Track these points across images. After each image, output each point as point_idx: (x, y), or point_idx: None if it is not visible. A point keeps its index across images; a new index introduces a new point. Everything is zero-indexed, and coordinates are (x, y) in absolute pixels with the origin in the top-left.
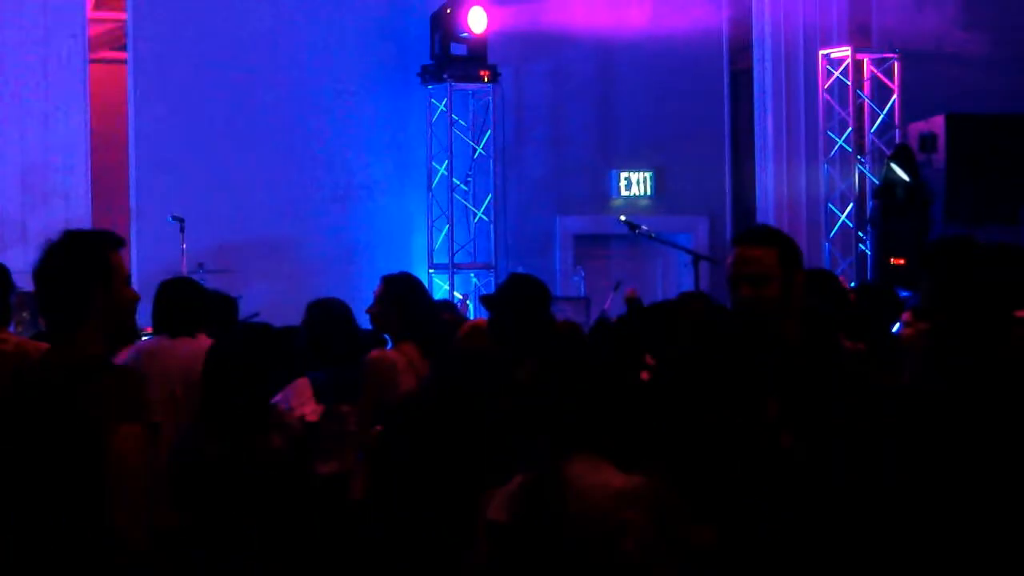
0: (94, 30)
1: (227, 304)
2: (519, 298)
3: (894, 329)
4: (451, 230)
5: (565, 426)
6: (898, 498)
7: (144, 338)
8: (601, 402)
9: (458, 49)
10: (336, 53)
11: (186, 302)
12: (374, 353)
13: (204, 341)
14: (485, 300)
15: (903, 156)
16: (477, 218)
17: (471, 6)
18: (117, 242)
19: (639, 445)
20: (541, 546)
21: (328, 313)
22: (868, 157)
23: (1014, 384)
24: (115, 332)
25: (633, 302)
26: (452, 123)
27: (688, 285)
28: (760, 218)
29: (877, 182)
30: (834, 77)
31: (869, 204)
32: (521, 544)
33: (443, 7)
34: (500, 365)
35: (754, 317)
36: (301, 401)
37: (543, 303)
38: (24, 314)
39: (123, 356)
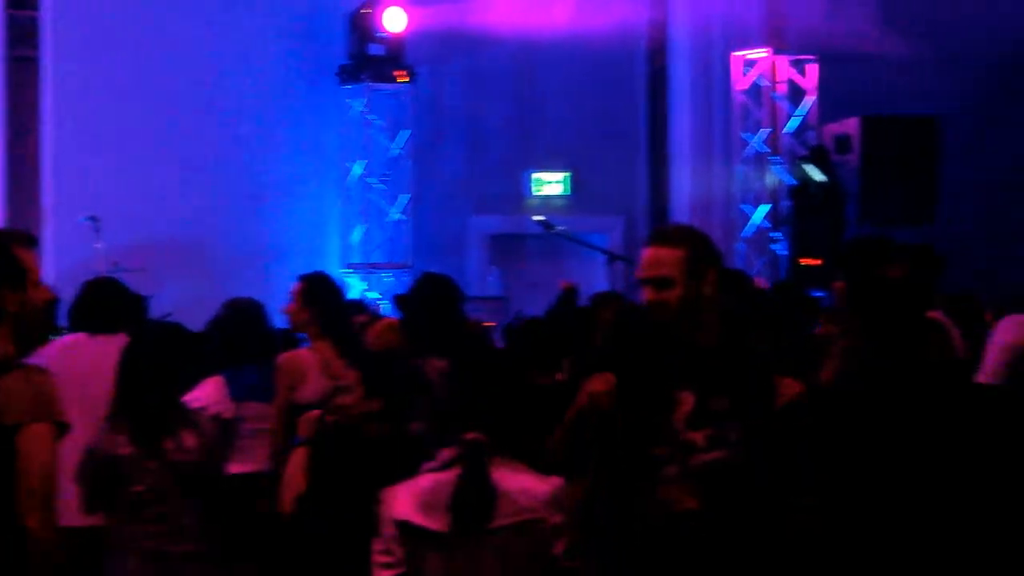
0: (8, 27)
1: (138, 303)
2: (431, 297)
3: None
4: (366, 230)
5: (486, 428)
6: (817, 498)
7: (63, 336)
8: (516, 404)
9: (375, 49)
10: (253, 52)
11: (107, 301)
12: (287, 353)
13: (124, 340)
14: (398, 300)
15: (818, 157)
16: (392, 218)
17: (389, 6)
18: (28, 241)
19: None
20: (470, 551)
21: (242, 312)
22: (783, 158)
23: (932, 387)
24: (27, 332)
25: (570, 292)
26: (369, 123)
27: (603, 285)
28: (674, 218)
29: (791, 183)
30: (749, 78)
31: (783, 205)
32: (448, 549)
33: (361, 7)
34: (411, 364)
35: (659, 319)
36: (214, 400)
37: (455, 303)
38: None
39: (40, 355)
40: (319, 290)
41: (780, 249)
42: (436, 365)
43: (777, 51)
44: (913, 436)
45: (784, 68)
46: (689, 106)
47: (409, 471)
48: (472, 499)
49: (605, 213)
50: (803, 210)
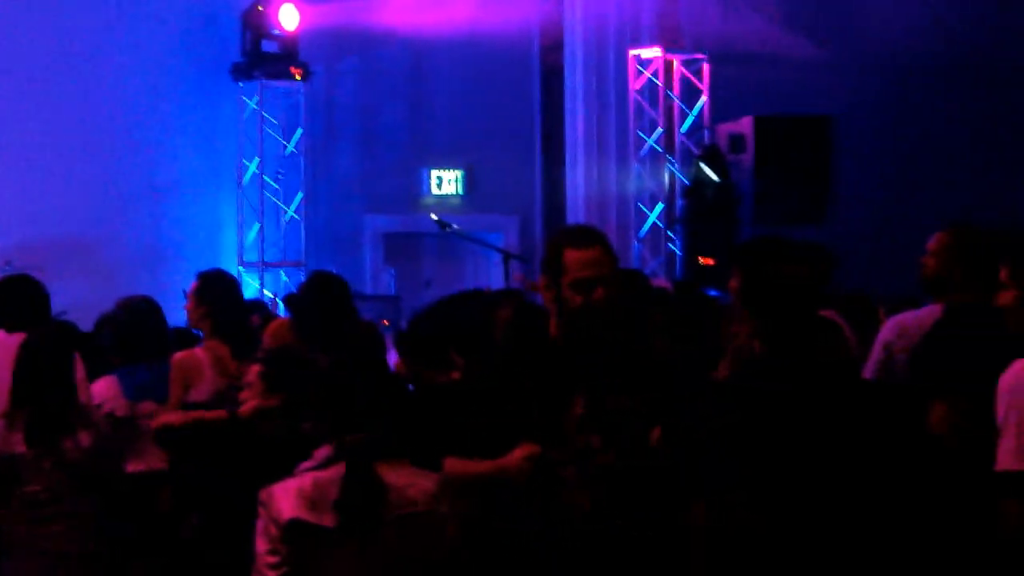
0: None
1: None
2: (320, 296)
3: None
4: (261, 228)
5: (375, 427)
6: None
7: None
8: (398, 404)
9: (269, 46)
10: (146, 48)
11: (24, 298)
12: (182, 352)
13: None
14: (287, 299)
15: (712, 156)
16: (288, 216)
17: (283, 3)
18: None
19: (437, 445)
20: (361, 546)
21: (136, 310)
22: (678, 157)
23: (822, 385)
24: None
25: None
26: (263, 120)
27: (498, 284)
28: (570, 217)
29: (686, 182)
30: (644, 77)
31: (678, 204)
32: (339, 545)
33: (254, 4)
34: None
35: (597, 319)
36: (108, 398)
37: (344, 300)
38: None
39: None
40: (211, 288)
41: (675, 248)
42: (320, 364)
43: (671, 50)
44: (803, 433)
45: (678, 67)
46: (584, 105)
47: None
48: (360, 495)
49: (501, 212)
50: (698, 209)
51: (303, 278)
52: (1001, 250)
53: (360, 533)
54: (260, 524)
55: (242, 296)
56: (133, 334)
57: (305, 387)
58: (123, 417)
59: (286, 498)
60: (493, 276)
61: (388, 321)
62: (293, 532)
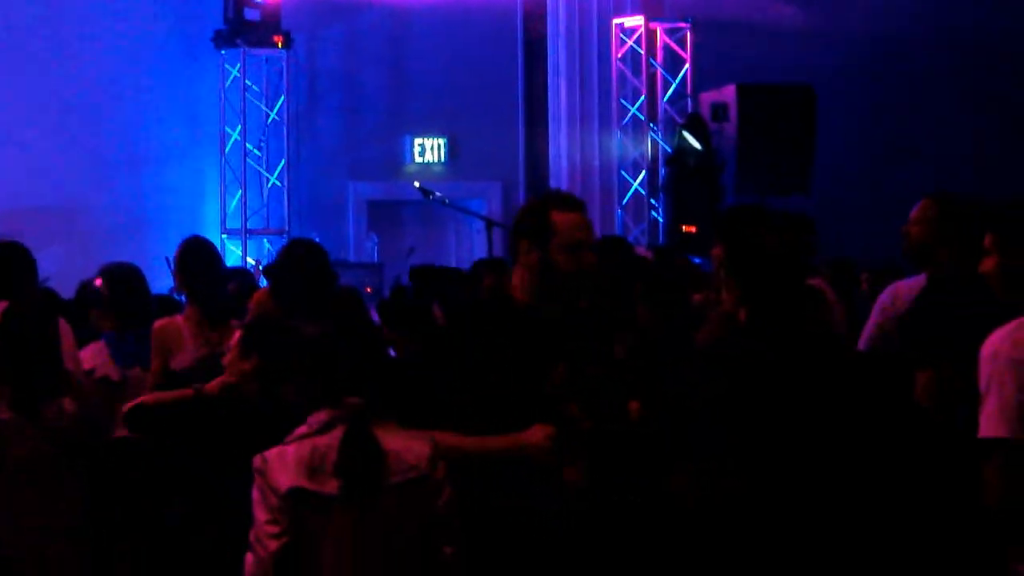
0: None
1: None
2: (298, 263)
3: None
4: (244, 196)
5: (365, 392)
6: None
7: None
8: (385, 366)
9: (251, 14)
10: (128, 17)
11: (8, 265)
12: (162, 320)
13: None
14: (265, 270)
15: (695, 125)
16: (270, 184)
17: None
18: None
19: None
20: (362, 512)
21: (121, 277)
22: (660, 125)
23: (808, 353)
24: None
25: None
26: (245, 89)
27: (481, 251)
28: (553, 184)
29: (669, 150)
30: (627, 46)
31: (661, 172)
32: (340, 512)
33: None
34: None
35: (593, 283)
36: (99, 364)
37: (322, 267)
38: None
39: None
40: (186, 255)
41: (658, 216)
42: (307, 331)
43: (654, 19)
44: (788, 401)
45: (661, 36)
46: (566, 73)
47: (278, 436)
48: (361, 460)
49: (483, 179)
50: (680, 177)
51: None
52: (984, 218)
53: (361, 499)
54: (257, 493)
55: (219, 263)
56: (118, 301)
57: (286, 353)
58: (117, 382)
59: (284, 466)
60: (476, 244)
61: (371, 288)
62: (293, 500)
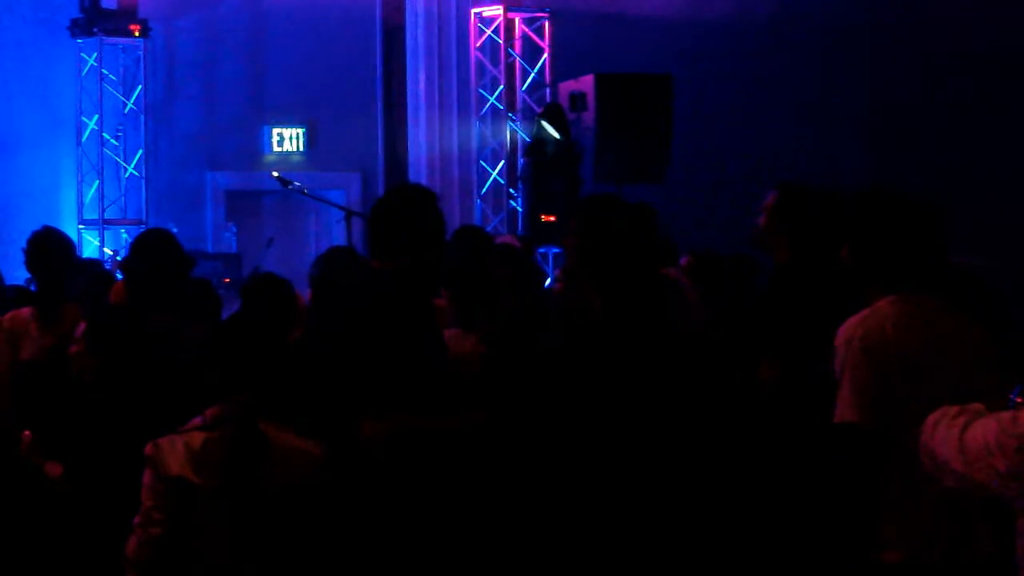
0: None
1: None
2: (149, 256)
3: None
4: (101, 186)
5: (252, 389)
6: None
7: None
8: (278, 365)
9: (109, 3)
10: None
11: None
12: (9, 313)
13: None
14: (120, 263)
15: (553, 114)
16: (128, 174)
17: None
18: None
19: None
20: (241, 507)
21: None
22: (519, 115)
23: (658, 342)
24: None
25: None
26: (102, 78)
27: (340, 241)
28: (412, 175)
29: (528, 140)
30: (486, 35)
31: (520, 161)
32: (220, 505)
33: None
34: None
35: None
36: None
37: (174, 259)
38: None
39: None
40: (35, 247)
41: (517, 205)
42: (160, 322)
43: (512, 8)
44: (640, 390)
45: (519, 25)
46: (425, 62)
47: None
48: (245, 457)
49: (342, 169)
50: (539, 167)
51: None
52: (833, 209)
53: (242, 495)
54: (146, 479)
55: (68, 254)
56: None
57: (132, 348)
58: None
59: (174, 455)
60: (335, 233)
61: (229, 279)
62: (178, 490)
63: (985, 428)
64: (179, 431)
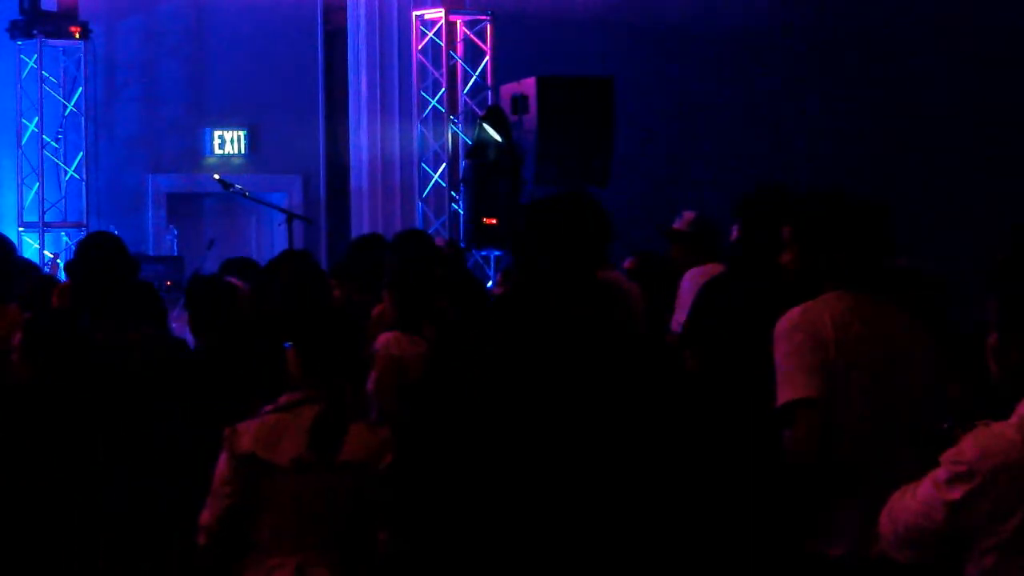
0: None
1: None
2: (93, 260)
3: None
4: (41, 188)
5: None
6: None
7: None
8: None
9: (48, 5)
10: None
11: None
12: None
13: None
14: (67, 265)
15: (495, 117)
16: (68, 176)
17: None
18: None
19: None
20: (309, 485)
21: None
22: (461, 117)
23: (595, 344)
24: None
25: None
26: (42, 80)
27: (282, 244)
28: (354, 178)
29: (470, 142)
30: (428, 38)
31: (462, 164)
32: (288, 482)
33: None
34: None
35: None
36: None
37: (119, 262)
38: None
39: None
40: None
41: (459, 208)
42: (102, 326)
43: (454, 11)
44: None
45: (461, 28)
46: (367, 65)
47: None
48: (329, 435)
49: (283, 172)
50: (481, 170)
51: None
52: (782, 210)
53: (310, 473)
54: (222, 458)
55: (5, 257)
56: None
57: (70, 353)
58: None
59: (247, 435)
60: (276, 237)
61: (171, 282)
62: (248, 466)
63: (915, 491)
64: (258, 414)
